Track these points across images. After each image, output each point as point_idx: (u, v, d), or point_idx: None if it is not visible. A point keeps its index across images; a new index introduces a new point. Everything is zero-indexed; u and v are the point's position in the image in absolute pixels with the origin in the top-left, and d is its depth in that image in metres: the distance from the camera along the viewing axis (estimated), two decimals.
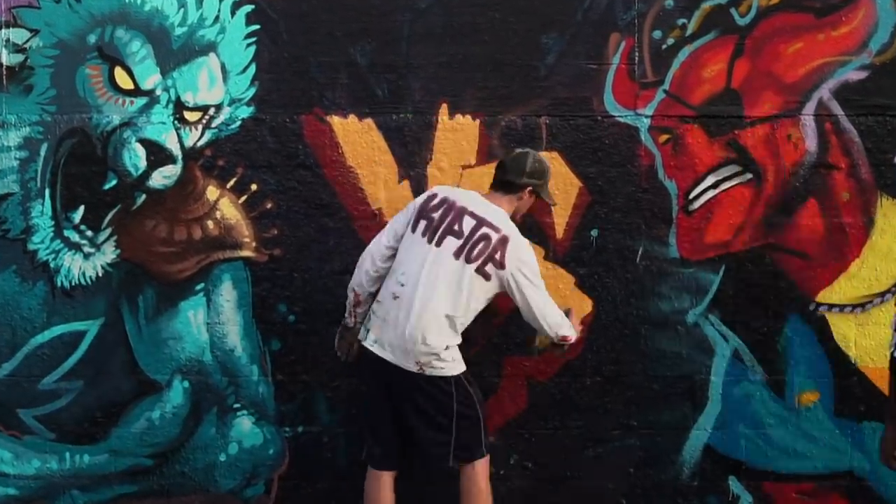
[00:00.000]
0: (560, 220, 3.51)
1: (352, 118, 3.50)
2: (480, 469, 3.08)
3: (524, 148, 3.26)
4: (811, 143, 3.48)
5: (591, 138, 3.50)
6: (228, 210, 3.51)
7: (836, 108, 3.48)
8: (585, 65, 3.49)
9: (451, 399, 3.01)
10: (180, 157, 3.48)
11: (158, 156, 3.48)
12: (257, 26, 3.47)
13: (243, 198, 3.51)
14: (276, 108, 3.49)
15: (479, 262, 2.98)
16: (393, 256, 3.09)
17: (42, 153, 3.48)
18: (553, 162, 3.47)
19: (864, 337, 3.51)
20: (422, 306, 2.95)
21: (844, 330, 3.51)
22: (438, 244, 2.99)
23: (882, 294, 3.50)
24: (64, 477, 3.53)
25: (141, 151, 3.48)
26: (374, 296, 3.14)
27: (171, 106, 3.48)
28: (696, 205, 3.50)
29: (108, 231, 3.50)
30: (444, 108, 3.49)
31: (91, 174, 3.49)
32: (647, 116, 3.49)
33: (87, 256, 3.50)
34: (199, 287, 3.51)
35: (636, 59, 3.48)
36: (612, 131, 3.49)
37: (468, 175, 3.50)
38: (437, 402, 3.00)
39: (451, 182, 3.49)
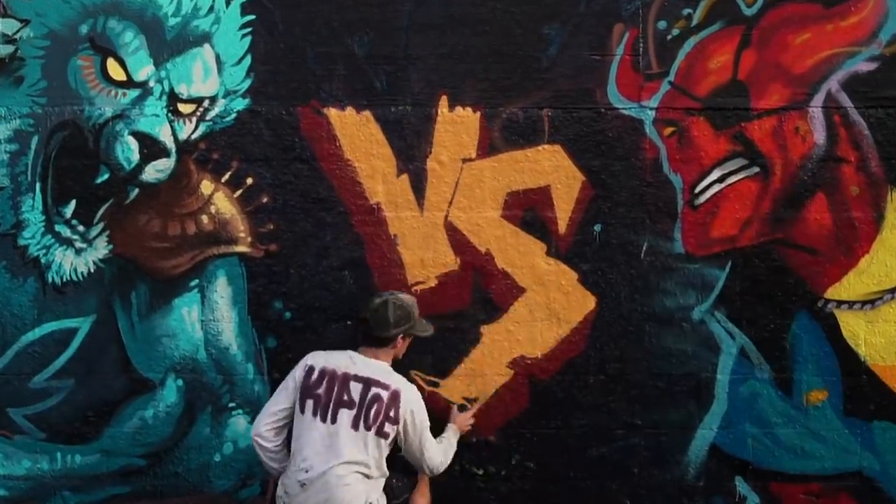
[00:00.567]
0: (562, 214, 3.47)
1: (349, 110, 3.45)
2: None
3: (379, 294, 3.17)
4: (819, 136, 3.44)
5: (594, 131, 3.46)
6: (223, 204, 3.46)
7: (845, 100, 3.44)
8: (588, 56, 3.45)
9: None
10: (174, 150, 3.44)
11: (152, 149, 3.44)
12: (253, 16, 3.43)
13: (238, 192, 3.47)
14: (271, 100, 3.44)
15: (378, 424, 2.98)
16: (281, 431, 3.05)
17: (33, 146, 3.44)
18: (556, 155, 3.45)
19: (873, 334, 3.47)
20: (332, 484, 2.92)
21: (853, 327, 3.47)
22: (333, 420, 2.97)
23: (892, 290, 3.46)
24: (55, 477, 3.50)
25: (134, 144, 3.44)
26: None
27: (164, 98, 3.44)
28: (702, 199, 3.47)
29: (101, 226, 3.46)
30: (443, 100, 3.45)
31: (83, 168, 3.45)
32: (651, 109, 3.45)
33: (78, 252, 3.46)
34: (193, 283, 3.47)
35: (640, 49, 3.45)
36: (615, 124, 3.45)
37: (468, 168, 3.46)
38: None
39: (451, 177, 3.45)
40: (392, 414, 2.98)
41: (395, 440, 3.04)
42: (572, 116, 3.45)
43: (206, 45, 3.42)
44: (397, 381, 3.05)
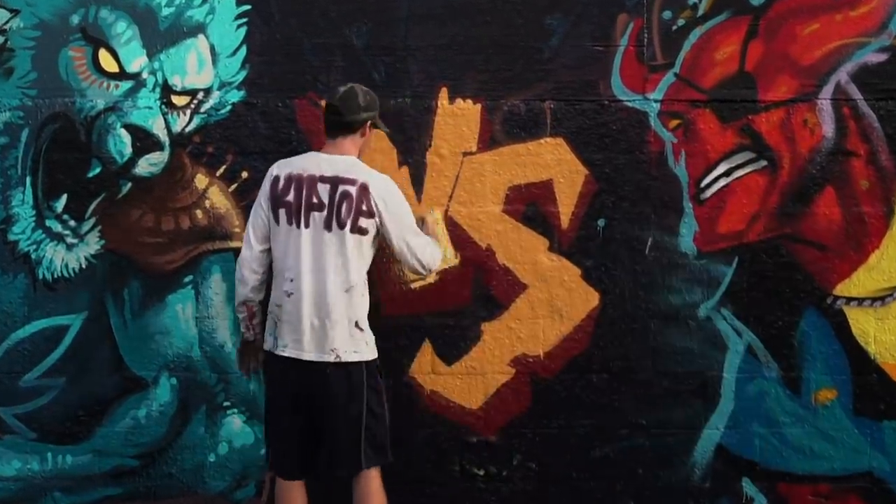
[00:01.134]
0: (565, 209, 3.45)
1: None
2: (375, 471, 3.02)
3: (344, 84, 3.09)
4: (828, 129, 3.41)
5: (597, 124, 3.43)
6: (218, 199, 3.43)
7: (855, 92, 3.40)
8: (592, 47, 3.42)
9: (361, 389, 2.94)
10: (167, 143, 3.42)
11: (145, 142, 3.41)
12: (248, 6, 3.40)
13: (234, 186, 3.44)
14: (267, 92, 3.42)
15: (351, 221, 2.93)
16: (267, 258, 3.03)
17: (23, 139, 3.41)
18: (558, 149, 3.43)
19: (883, 332, 3.43)
20: (318, 291, 2.91)
21: (863, 324, 3.44)
22: (307, 225, 2.93)
23: None
24: (46, 478, 3.48)
25: (126, 137, 3.41)
26: (265, 303, 3.07)
27: (157, 90, 3.41)
28: (708, 193, 3.43)
29: (92, 221, 3.43)
30: (443, 93, 3.42)
31: (74, 161, 3.42)
32: (656, 101, 3.42)
33: (70, 247, 3.43)
34: (187, 279, 3.45)
35: (645, 40, 3.41)
36: (619, 116, 3.43)
37: (468, 162, 3.44)
38: (349, 396, 2.93)
39: (451, 170, 3.43)
40: (364, 207, 2.93)
41: (377, 236, 2.99)
42: (575, 109, 3.42)
43: (201, 36, 3.39)
44: (365, 172, 2.98)
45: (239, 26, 3.39)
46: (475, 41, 3.40)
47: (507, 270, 3.44)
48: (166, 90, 3.39)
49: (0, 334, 3.43)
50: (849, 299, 3.42)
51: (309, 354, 2.92)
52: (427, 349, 3.44)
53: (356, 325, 2.95)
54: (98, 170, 3.41)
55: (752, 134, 3.41)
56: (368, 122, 3.06)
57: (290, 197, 2.95)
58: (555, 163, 3.42)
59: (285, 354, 2.95)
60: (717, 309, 3.44)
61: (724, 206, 3.42)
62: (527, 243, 3.43)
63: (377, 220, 2.95)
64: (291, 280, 2.92)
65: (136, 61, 3.39)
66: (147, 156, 3.40)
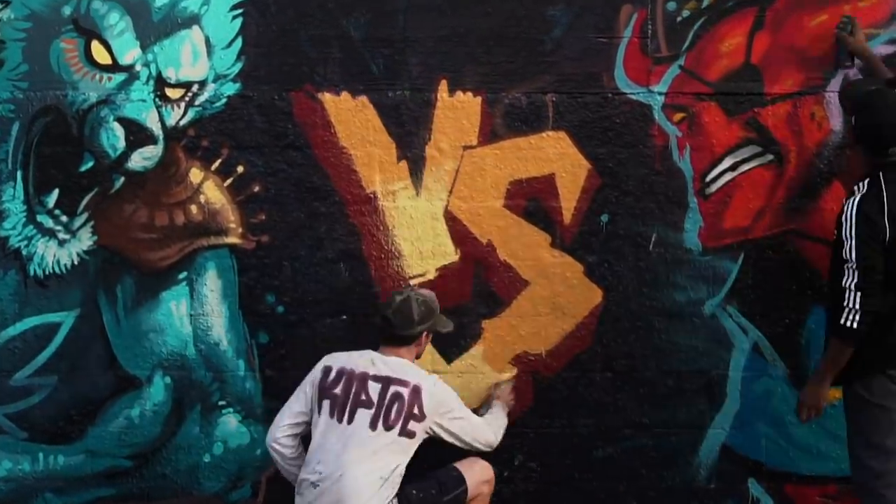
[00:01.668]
0: (568, 204, 3.43)
1: (345, 95, 3.39)
2: None
3: (400, 291, 3.12)
4: (836, 122, 3.39)
5: (600, 117, 3.42)
6: (213, 194, 3.41)
7: None
8: (595, 38, 3.40)
9: None
10: (161, 136, 3.39)
11: (138, 135, 3.39)
12: None
13: (229, 180, 3.41)
14: (263, 84, 3.40)
15: (401, 424, 2.90)
16: (296, 438, 3.01)
17: (13, 133, 3.38)
18: (561, 142, 3.42)
19: None
20: (346, 487, 2.82)
21: None
22: (350, 420, 2.90)
23: None
24: (37, 479, 3.46)
25: (119, 131, 3.39)
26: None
27: (151, 82, 3.39)
28: (714, 188, 3.42)
29: (85, 216, 3.41)
30: (443, 85, 3.40)
31: (66, 155, 3.39)
32: (660, 94, 3.41)
33: (61, 243, 3.41)
34: (181, 276, 3.43)
35: (649, 32, 3.40)
36: (623, 109, 3.41)
37: (469, 156, 3.42)
38: None
39: (451, 165, 3.40)
40: (416, 411, 2.90)
41: (427, 439, 2.96)
42: (578, 102, 3.40)
43: (195, 27, 3.37)
44: (417, 375, 2.98)
45: (234, 17, 3.37)
46: (476, 32, 3.38)
47: (508, 267, 3.42)
48: (160, 83, 3.37)
49: None
50: None
51: None
52: (427, 347, 3.36)
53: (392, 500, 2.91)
54: (90, 164, 3.39)
55: (758, 127, 3.39)
56: (425, 333, 3.08)
57: (339, 390, 2.93)
58: (557, 157, 3.40)
59: None
60: (722, 306, 3.43)
61: (729, 201, 3.41)
62: (528, 239, 3.42)
63: (429, 423, 2.93)
64: (320, 473, 2.85)
65: (130, 53, 3.37)
66: (140, 150, 3.38)
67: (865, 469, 2.92)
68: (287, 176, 3.39)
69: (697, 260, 3.42)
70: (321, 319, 3.40)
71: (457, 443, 3.02)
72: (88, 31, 3.35)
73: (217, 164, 3.39)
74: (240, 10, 3.36)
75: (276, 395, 3.35)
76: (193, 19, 3.35)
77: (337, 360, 3.01)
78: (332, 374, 2.96)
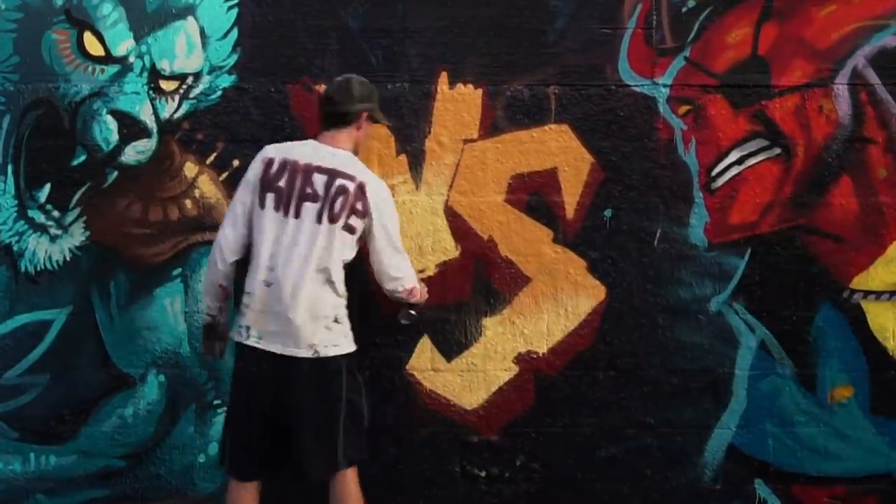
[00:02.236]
0: (570, 199, 3.39)
1: None
2: (353, 472, 2.95)
3: (340, 75, 3.09)
4: (845, 115, 3.36)
5: (604, 109, 3.38)
6: (208, 188, 3.38)
7: (873, 77, 3.36)
8: (598, 29, 3.37)
9: (340, 382, 2.87)
10: (155, 130, 3.36)
11: (132, 129, 3.36)
12: None
13: (224, 175, 3.38)
14: (260, 76, 3.36)
15: (344, 217, 2.87)
16: (246, 242, 2.93)
17: (4, 126, 3.35)
18: (563, 135, 3.39)
19: None
20: (299, 284, 2.82)
21: (881, 319, 3.39)
22: (297, 215, 2.86)
23: None
24: (28, 479, 3.41)
25: (112, 124, 3.35)
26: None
27: (145, 74, 3.35)
28: (720, 182, 3.38)
29: (77, 211, 3.37)
30: (443, 77, 3.37)
31: (58, 149, 3.36)
32: (665, 86, 3.37)
33: (53, 239, 3.37)
34: (175, 272, 3.39)
35: (654, 22, 3.37)
36: (627, 102, 3.38)
37: (469, 149, 3.38)
38: (326, 390, 2.85)
39: (451, 158, 3.38)
40: (359, 206, 2.88)
41: (361, 237, 2.93)
42: (581, 94, 3.37)
43: (190, 18, 3.34)
44: (364, 171, 2.94)
45: (230, 8, 3.34)
46: (476, 23, 3.36)
47: (509, 263, 3.39)
48: (154, 75, 3.34)
49: None
50: (866, 293, 3.38)
51: (284, 348, 2.83)
52: (426, 345, 3.39)
53: (335, 319, 2.88)
54: (83, 158, 3.35)
55: (765, 120, 3.36)
56: (364, 115, 3.01)
57: (282, 182, 2.87)
58: (559, 150, 3.36)
59: (259, 347, 2.85)
60: (728, 303, 3.39)
61: (736, 196, 3.37)
62: (530, 234, 3.38)
63: (367, 221, 2.90)
64: (272, 269, 2.83)
65: (123, 45, 3.33)
66: (134, 143, 3.35)
67: None
68: None
69: (703, 256, 3.38)
70: None
71: (374, 251, 2.94)
72: (81, 21, 3.32)
73: (212, 157, 3.36)
74: (235, 1, 3.34)
75: None
76: (188, 10, 3.33)
77: (278, 151, 2.93)
78: (275, 166, 2.89)
